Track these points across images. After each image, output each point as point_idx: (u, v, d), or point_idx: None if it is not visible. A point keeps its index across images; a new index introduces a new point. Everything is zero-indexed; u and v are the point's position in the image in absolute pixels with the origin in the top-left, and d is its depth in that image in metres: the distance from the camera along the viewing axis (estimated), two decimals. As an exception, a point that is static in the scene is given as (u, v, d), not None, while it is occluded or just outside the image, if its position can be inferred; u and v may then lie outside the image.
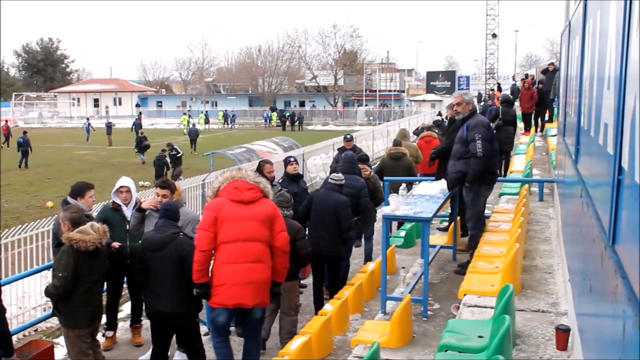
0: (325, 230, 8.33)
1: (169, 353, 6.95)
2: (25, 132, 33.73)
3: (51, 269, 6.57)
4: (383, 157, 13.16)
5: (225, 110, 72.40)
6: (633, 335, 2.03)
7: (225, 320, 6.00)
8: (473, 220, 8.28)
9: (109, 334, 8.50)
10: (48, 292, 6.45)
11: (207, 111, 71.09)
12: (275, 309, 7.82)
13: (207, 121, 65.57)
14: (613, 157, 2.80)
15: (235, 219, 5.80)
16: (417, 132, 18.05)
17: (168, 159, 25.35)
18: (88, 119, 55.56)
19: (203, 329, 7.87)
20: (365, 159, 10.83)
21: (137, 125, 46.27)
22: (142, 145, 32.89)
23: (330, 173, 10.12)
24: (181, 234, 6.60)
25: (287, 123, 62.94)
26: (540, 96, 19.59)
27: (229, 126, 68.43)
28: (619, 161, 2.67)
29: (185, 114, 60.92)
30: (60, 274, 6.22)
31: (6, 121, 47.51)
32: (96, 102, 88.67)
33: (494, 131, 8.47)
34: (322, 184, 9.52)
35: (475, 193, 8.10)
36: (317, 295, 8.73)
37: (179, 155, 26.21)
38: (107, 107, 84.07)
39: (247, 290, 5.78)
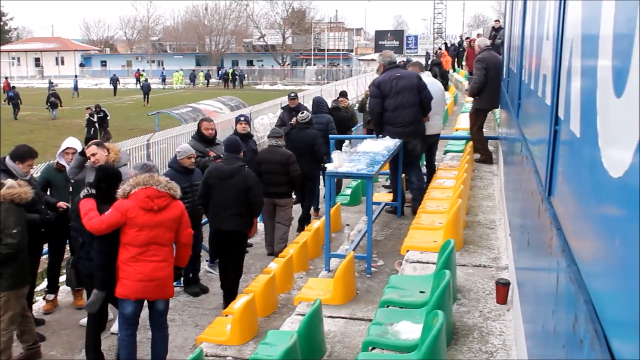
0: (302, 160, 9.79)
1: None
2: (14, 87, 39.24)
3: None
4: (366, 94, 15.80)
5: (193, 71, 72.10)
6: (566, 287, 2.01)
7: (132, 311, 6.07)
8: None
9: (50, 297, 8.30)
10: None
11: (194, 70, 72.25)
12: (273, 223, 9.43)
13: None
14: (550, 107, 2.78)
15: (145, 225, 5.87)
16: None
17: (95, 118, 24.79)
18: (76, 77, 59.67)
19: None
20: (345, 94, 15.01)
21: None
22: (49, 101, 35.49)
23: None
24: (245, 166, 7.83)
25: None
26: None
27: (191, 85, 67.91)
28: (555, 111, 2.66)
29: (177, 71, 67.90)
30: (14, 230, 6.16)
31: (6, 78, 48.24)
32: (37, 62, 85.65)
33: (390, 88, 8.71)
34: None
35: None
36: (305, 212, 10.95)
37: (107, 118, 25.81)
38: (42, 66, 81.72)
39: (150, 286, 5.95)
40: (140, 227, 5.86)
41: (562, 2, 2.65)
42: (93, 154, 7.13)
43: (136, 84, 60.55)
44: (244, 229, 7.86)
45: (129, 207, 5.88)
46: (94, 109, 25.07)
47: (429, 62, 33.58)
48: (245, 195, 7.64)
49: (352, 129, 14.46)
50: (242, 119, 10.18)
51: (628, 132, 1.35)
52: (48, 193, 7.80)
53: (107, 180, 6.23)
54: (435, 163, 10.28)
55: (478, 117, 10.41)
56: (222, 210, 7.68)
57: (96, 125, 24.58)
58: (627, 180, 1.38)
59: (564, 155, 2.45)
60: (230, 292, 7.78)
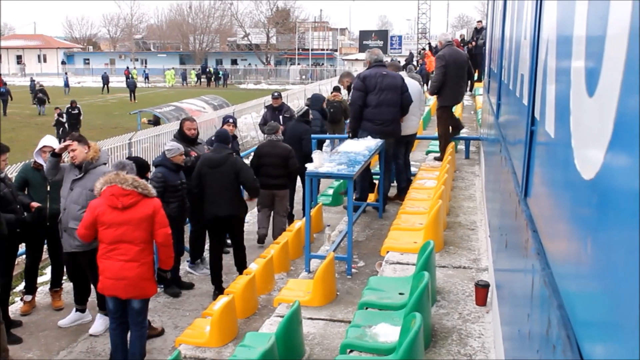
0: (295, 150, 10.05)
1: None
2: (5, 84, 39.84)
3: None
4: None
5: (184, 70, 71.84)
6: (540, 291, 1.99)
7: (112, 306, 6.22)
8: None
9: (27, 298, 8.17)
10: None
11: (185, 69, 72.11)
12: (269, 212, 10.02)
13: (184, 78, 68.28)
14: (527, 108, 2.76)
15: (111, 223, 5.97)
16: None
17: (64, 118, 24.59)
18: (66, 73, 61.76)
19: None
20: (338, 89, 14.59)
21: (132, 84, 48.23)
22: (37, 98, 36.31)
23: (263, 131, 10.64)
24: (233, 153, 8.35)
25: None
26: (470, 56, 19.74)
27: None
28: (532, 112, 2.63)
29: (168, 70, 67.63)
30: None
31: None
32: (19, 59, 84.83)
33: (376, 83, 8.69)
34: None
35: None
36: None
37: (81, 116, 25.67)
38: (24, 64, 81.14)
39: (120, 284, 6.02)
40: (107, 225, 5.95)
41: (539, 2, 2.63)
42: (73, 150, 7.05)
43: (126, 82, 60.74)
44: (239, 212, 8.36)
45: (97, 205, 6.01)
46: (69, 105, 24.89)
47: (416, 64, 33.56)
48: (236, 180, 8.11)
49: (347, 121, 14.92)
50: (230, 120, 10.18)
51: (599, 132, 1.32)
52: (26, 192, 7.71)
53: (138, 172, 6.54)
54: (418, 163, 10.28)
55: (443, 114, 10.40)
56: (217, 197, 8.07)
57: (65, 125, 24.36)
58: (598, 183, 1.35)
59: (539, 156, 2.43)
60: (241, 268, 8.29)
